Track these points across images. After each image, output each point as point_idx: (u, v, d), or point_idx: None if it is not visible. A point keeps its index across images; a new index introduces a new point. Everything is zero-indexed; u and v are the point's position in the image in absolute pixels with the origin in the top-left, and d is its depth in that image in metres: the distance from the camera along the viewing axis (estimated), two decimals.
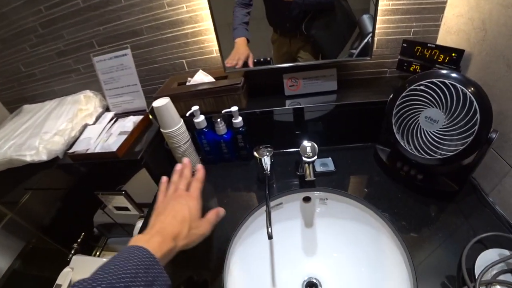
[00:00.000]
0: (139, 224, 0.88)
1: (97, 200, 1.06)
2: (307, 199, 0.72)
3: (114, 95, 0.86)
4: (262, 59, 0.76)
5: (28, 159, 0.73)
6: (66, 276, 1.09)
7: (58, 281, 1.14)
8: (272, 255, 0.70)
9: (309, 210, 0.73)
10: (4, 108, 1.13)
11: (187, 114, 0.70)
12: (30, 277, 1.36)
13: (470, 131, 0.51)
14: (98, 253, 1.23)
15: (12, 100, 1.09)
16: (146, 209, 0.89)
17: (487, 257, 0.49)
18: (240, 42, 0.73)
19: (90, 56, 0.84)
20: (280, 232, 0.71)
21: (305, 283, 0.67)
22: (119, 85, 0.84)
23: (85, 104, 0.89)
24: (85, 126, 0.85)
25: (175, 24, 0.78)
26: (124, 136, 0.71)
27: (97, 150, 0.72)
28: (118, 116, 0.85)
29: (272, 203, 0.70)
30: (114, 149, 0.68)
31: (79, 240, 1.28)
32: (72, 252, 1.26)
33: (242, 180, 0.76)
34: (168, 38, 0.80)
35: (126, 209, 0.85)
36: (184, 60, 0.84)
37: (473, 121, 0.50)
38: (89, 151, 0.72)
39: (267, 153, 0.66)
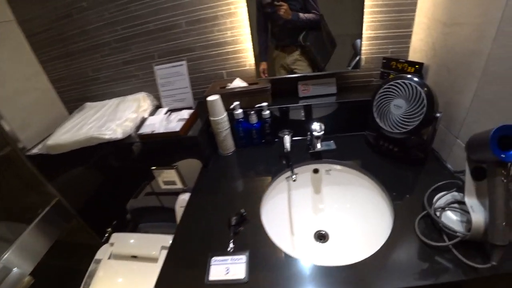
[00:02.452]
0: (182, 196, 1.18)
1: (136, 185, 1.37)
2: (316, 171, 1.04)
3: (168, 95, 1.21)
4: None
5: (107, 136, 1.05)
6: (106, 251, 1.35)
7: (97, 256, 1.40)
8: (291, 214, 1.00)
9: (317, 180, 1.04)
10: (63, 107, 1.48)
11: (231, 107, 1.05)
12: (63, 260, 1.61)
13: (421, 112, 0.85)
14: None
15: (71, 99, 1.45)
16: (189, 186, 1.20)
17: (441, 196, 0.81)
18: (264, 64, 1.13)
19: (150, 65, 1.21)
20: (295, 197, 1.03)
21: (316, 234, 0.97)
22: (173, 87, 1.19)
23: (143, 102, 1.24)
24: (143, 118, 1.19)
25: (220, 44, 1.15)
26: (183, 122, 1.05)
27: (162, 131, 1.05)
28: (171, 111, 1.20)
29: (289, 174, 1.02)
30: (178, 129, 1.02)
31: (113, 224, 1.56)
32: (105, 236, 1.54)
33: (267, 158, 1.09)
34: (214, 55, 1.18)
35: (174, 183, 1.16)
36: (224, 71, 1.21)
37: (422, 106, 0.85)
38: (155, 132, 1.06)
39: (288, 133, 1.01)
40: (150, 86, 1.29)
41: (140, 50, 1.22)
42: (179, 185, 1.17)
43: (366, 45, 1.08)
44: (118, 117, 1.12)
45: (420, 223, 0.76)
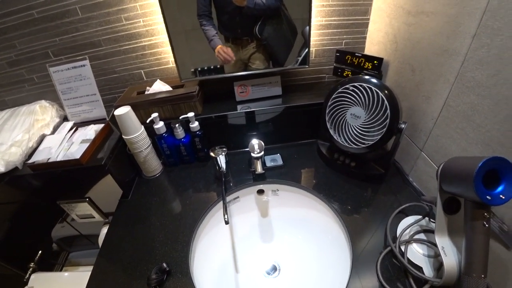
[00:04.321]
0: (104, 230, 0.93)
1: (55, 213, 1.09)
2: (260, 192, 0.84)
3: (72, 105, 0.91)
4: (212, 67, 0.87)
5: None
6: None
7: None
8: (234, 245, 0.81)
9: (263, 202, 0.85)
10: None
11: (147, 121, 0.79)
12: None
13: (384, 124, 0.67)
14: (60, 270, 1.23)
15: None
16: (111, 216, 0.95)
17: (406, 223, 0.66)
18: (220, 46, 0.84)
19: (45, 66, 0.90)
20: (239, 224, 0.83)
21: (265, 268, 0.79)
22: (78, 95, 0.90)
23: (41, 114, 0.93)
24: (43, 137, 0.89)
25: (132, 36, 0.86)
26: (87, 144, 0.78)
27: (59, 158, 0.77)
28: (78, 125, 0.91)
29: (229, 198, 0.81)
30: (78, 156, 0.75)
31: (36, 258, 1.28)
32: (29, 272, 1.25)
33: (201, 179, 0.86)
34: (126, 50, 0.89)
35: (91, 216, 0.91)
36: (142, 71, 0.93)
37: (385, 116, 0.66)
38: (50, 160, 0.78)
39: (222, 153, 0.78)
40: (52, 92, 0.97)
41: (27, 46, 0.89)
42: (98, 218, 0.92)
43: (316, 35, 0.86)
44: (1, 141, 0.82)
45: (383, 261, 0.61)
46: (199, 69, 0.87)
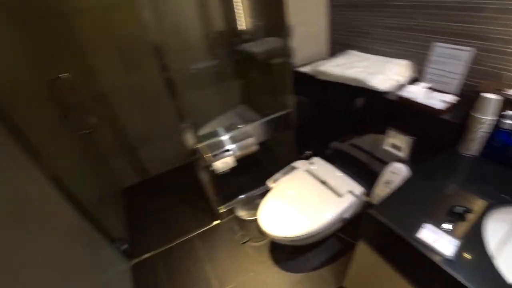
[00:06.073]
0: (397, 165, 1.23)
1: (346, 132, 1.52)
2: None
3: (433, 73, 1.23)
4: None
5: (372, 84, 1.19)
6: (304, 164, 1.58)
7: (294, 164, 1.64)
8: None
9: None
10: (325, 45, 1.74)
11: (502, 113, 0.97)
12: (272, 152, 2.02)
13: None
14: None
15: (336, 42, 1.68)
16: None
17: None
18: None
19: (426, 39, 1.22)
20: None
21: None
22: (443, 69, 1.19)
23: (406, 70, 1.30)
24: (400, 84, 1.25)
25: None
26: (446, 104, 1.07)
27: (422, 102, 1.11)
28: (430, 88, 1.22)
29: None
30: (439, 107, 1.05)
31: (313, 150, 1.82)
32: (309, 155, 1.80)
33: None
34: (508, 52, 1.03)
35: (398, 149, 1.25)
36: (506, 73, 1.06)
37: None
38: (416, 100, 1.12)
39: None
40: (413, 57, 1.32)
41: (422, 22, 1.22)
42: (400, 154, 1.25)
43: None
44: (386, 73, 1.23)
45: None
46: None
